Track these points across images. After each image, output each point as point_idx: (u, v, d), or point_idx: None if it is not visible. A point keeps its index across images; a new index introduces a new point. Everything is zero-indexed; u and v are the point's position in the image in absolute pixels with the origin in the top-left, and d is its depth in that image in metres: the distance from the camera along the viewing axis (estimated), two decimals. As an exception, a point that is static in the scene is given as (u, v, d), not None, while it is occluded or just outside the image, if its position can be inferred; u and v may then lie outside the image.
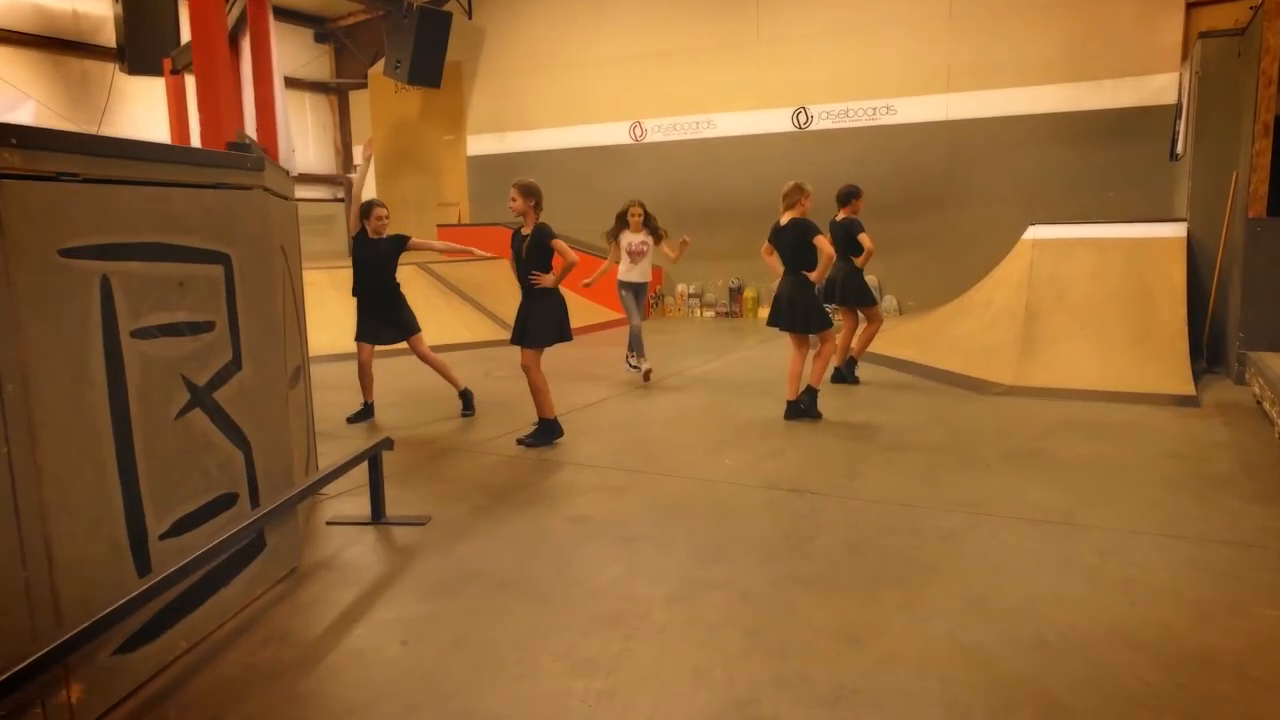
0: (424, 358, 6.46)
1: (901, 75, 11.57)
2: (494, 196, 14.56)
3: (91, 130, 12.36)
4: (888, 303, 11.85)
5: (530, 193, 5.44)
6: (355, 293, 6.46)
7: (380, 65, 14.20)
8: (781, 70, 12.27)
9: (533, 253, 5.49)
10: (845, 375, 7.44)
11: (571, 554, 3.70)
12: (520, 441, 5.57)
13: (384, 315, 6.38)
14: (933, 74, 11.38)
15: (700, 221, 11.54)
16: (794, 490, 4.49)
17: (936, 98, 11.40)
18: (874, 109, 11.81)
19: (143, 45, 11.62)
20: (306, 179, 15.77)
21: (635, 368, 7.80)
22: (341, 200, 16.55)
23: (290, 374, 3.90)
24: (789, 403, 6.18)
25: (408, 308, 6.53)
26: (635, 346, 7.78)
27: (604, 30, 13.45)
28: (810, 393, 6.12)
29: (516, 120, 14.43)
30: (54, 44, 12.07)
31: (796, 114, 12.30)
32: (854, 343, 7.49)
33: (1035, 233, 8.19)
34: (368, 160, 6.49)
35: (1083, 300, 7.53)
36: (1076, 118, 10.63)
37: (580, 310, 12.74)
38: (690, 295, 13.21)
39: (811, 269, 6.09)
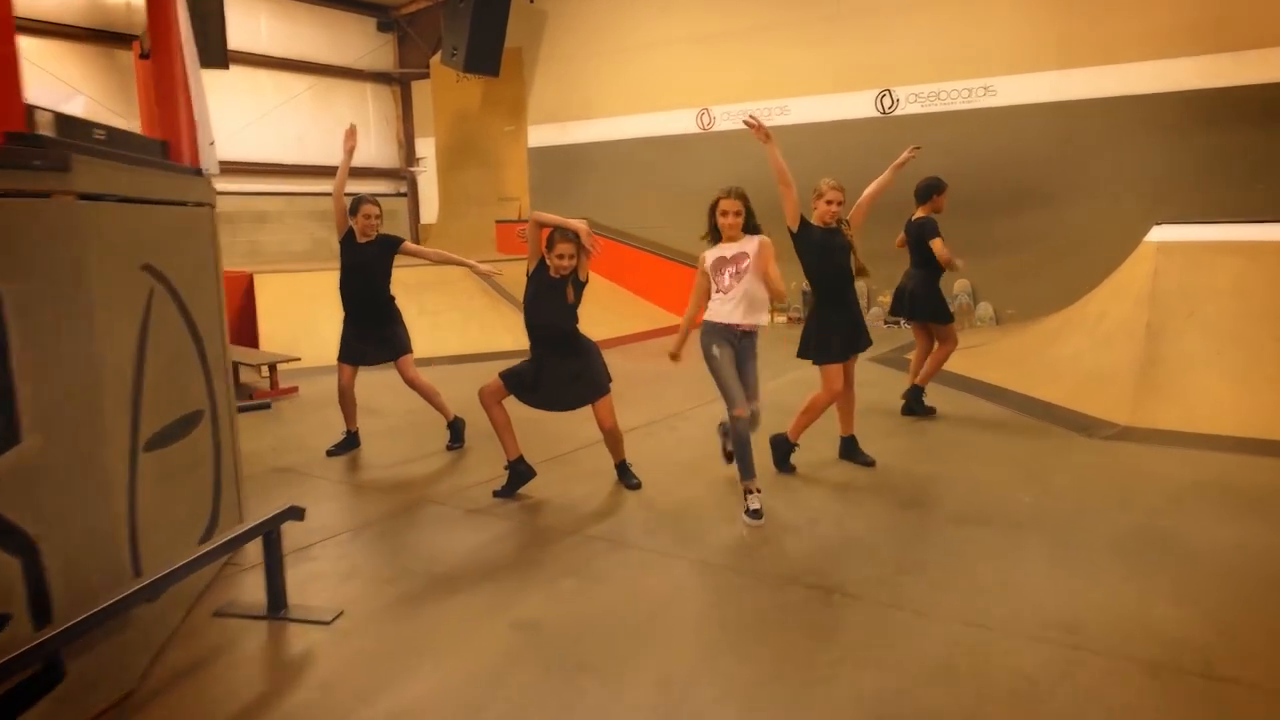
0: (411, 382, 5.61)
1: (1003, 50, 10.08)
2: (554, 191, 13.71)
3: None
4: (982, 311, 10.42)
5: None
6: (343, 304, 5.66)
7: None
8: (864, 48, 10.94)
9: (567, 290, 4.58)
10: (914, 406, 6.21)
11: (490, 693, 2.72)
12: (497, 493, 4.63)
13: (371, 331, 5.56)
14: (1040, 48, 9.86)
15: (772, 217, 10.31)
16: (818, 588, 3.39)
17: (1044, 75, 9.87)
18: (970, 90, 10.36)
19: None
20: (367, 173, 15.28)
21: (753, 512, 4.15)
22: (404, 195, 16.02)
23: (158, 432, 3.04)
24: (844, 440, 5.10)
25: (401, 323, 5.69)
26: (741, 459, 4.21)
27: (669, 9, 12.37)
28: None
29: (578, 109, 13.51)
30: (106, 37, 11.80)
31: (880, 97, 10.96)
32: (924, 366, 6.26)
33: (1161, 234, 6.74)
34: (349, 153, 5.63)
35: (1221, 319, 6.07)
36: (1214, 96, 8.94)
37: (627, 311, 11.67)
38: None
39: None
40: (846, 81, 11.13)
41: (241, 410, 7.05)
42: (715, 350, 4.24)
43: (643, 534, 4.03)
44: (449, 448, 5.63)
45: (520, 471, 4.65)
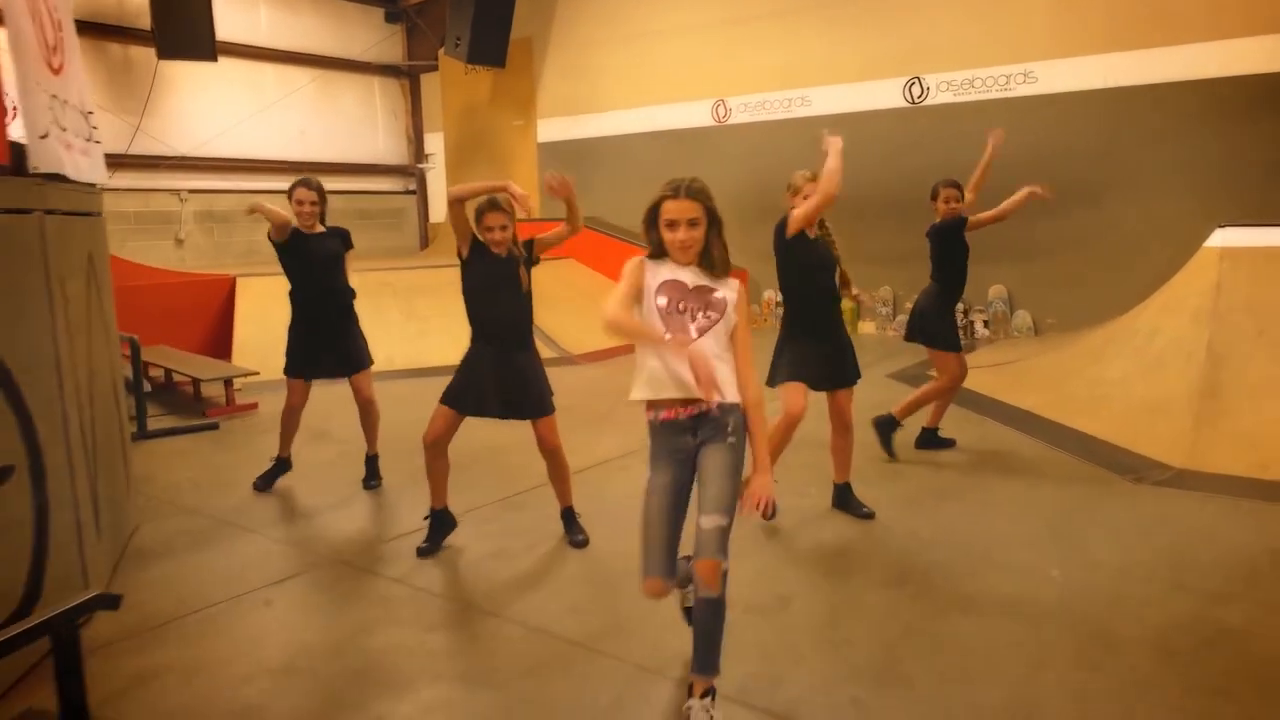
0: (365, 404, 4.89)
1: (1045, 32, 9.12)
2: (564, 188, 12.98)
3: (134, 120, 11.62)
4: (1020, 320, 9.48)
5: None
6: (294, 308, 4.88)
7: (450, 45, 12.87)
8: (891, 33, 10.02)
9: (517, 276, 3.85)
10: (929, 442, 5.36)
11: None
12: (422, 551, 3.91)
13: (324, 340, 4.81)
14: (1086, 29, 8.87)
15: (760, 219, 9.49)
16: (767, 713, 2.60)
17: (1091, 60, 8.89)
18: (1007, 77, 9.41)
19: (175, 27, 10.72)
20: (374, 170, 14.72)
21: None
22: (413, 193, 15.42)
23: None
24: (837, 487, 4.29)
25: (359, 332, 4.95)
26: (699, 644, 2.64)
27: (683, -8, 11.58)
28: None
29: (589, 101, 12.78)
30: (94, 29, 11.33)
31: (909, 85, 10.04)
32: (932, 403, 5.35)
33: (1225, 238, 5.79)
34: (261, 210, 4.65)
35: (1299, 340, 5.14)
36: (1288, 80, 7.93)
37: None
38: (778, 304, 11.15)
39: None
40: (872, 69, 10.23)
41: (184, 432, 6.51)
42: (655, 475, 2.57)
43: (569, 617, 3.26)
44: (366, 486, 4.94)
45: (444, 521, 3.97)
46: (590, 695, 2.73)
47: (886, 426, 5.19)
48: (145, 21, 11.12)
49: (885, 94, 10.19)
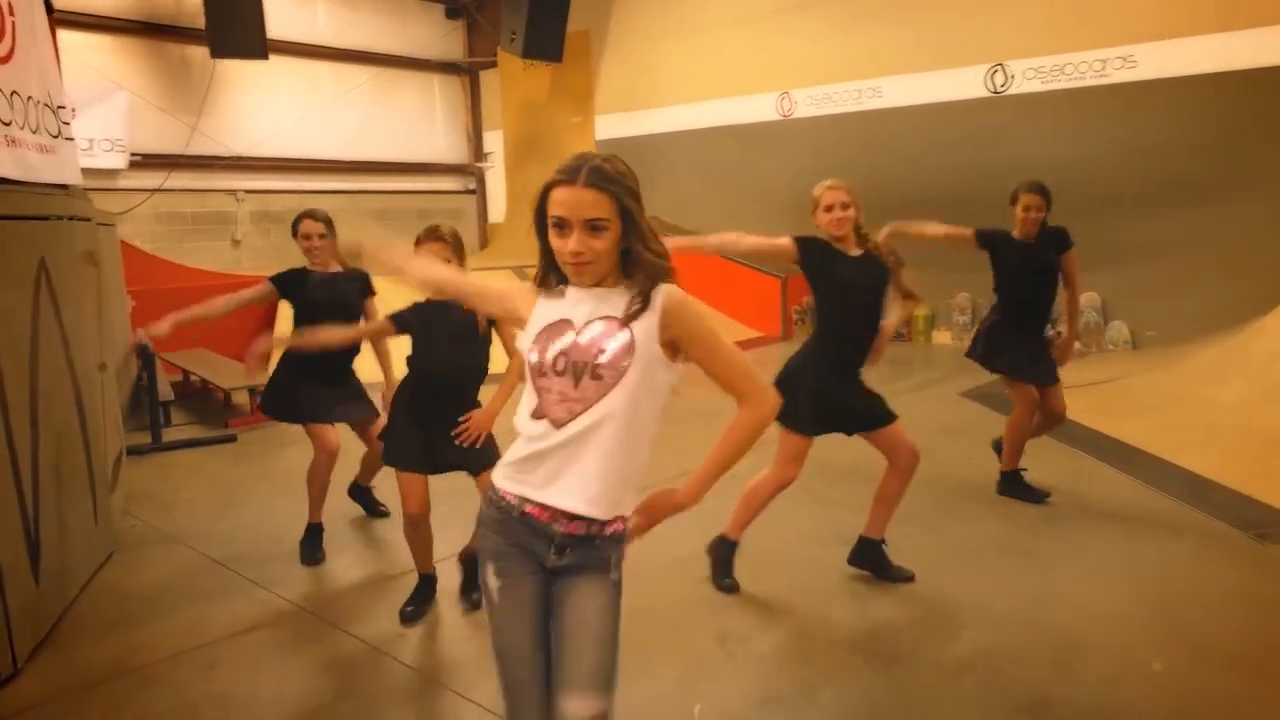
0: (373, 453, 4.21)
1: (1148, 10, 8.14)
2: (622, 187, 12.51)
3: (191, 121, 11.57)
4: (1115, 332, 8.54)
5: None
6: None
7: (510, 41, 12.50)
8: (971, 16, 9.15)
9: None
10: (1012, 485, 4.58)
11: None
12: (407, 616, 3.33)
13: (337, 385, 4.05)
14: (1197, 6, 7.88)
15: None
16: None
17: (1203, 40, 7.89)
18: (1104, 61, 8.46)
19: (226, 24, 10.57)
20: (434, 170, 14.47)
21: None
22: (472, 192, 15.13)
23: None
24: (862, 542, 3.59)
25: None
26: None
27: (747, -20, 10.92)
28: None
29: (648, 96, 12.23)
30: (152, 29, 11.32)
31: (991, 74, 9.17)
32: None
33: (1370, 244, 4.90)
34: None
35: None
36: None
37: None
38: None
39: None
40: (950, 56, 9.38)
41: (203, 444, 6.21)
42: (489, 576, 1.76)
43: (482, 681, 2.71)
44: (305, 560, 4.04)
45: (432, 588, 3.42)
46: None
47: (1012, 486, 4.49)
48: (203, 21, 11.04)
49: (964, 83, 9.33)
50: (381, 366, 4.13)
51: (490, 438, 3.23)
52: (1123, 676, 2.76)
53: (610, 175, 1.66)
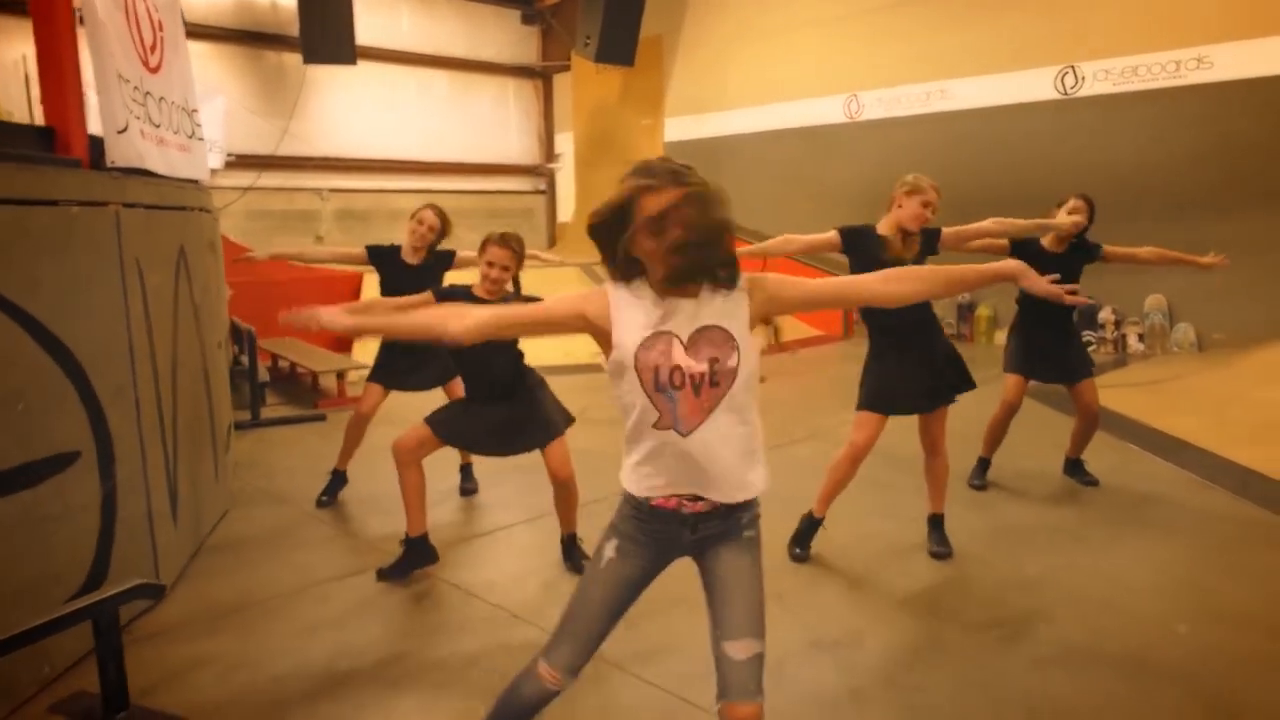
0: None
1: (1222, 10, 8.12)
2: (689, 187, 12.83)
3: (282, 123, 12.28)
4: (1181, 334, 8.52)
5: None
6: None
7: (583, 45, 12.94)
8: (1041, 17, 9.23)
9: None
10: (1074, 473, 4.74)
11: None
12: (383, 573, 3.63)
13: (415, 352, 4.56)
14: (1273, 4, 7.86)
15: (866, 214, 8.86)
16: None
17: (1277, 41, 7.87)
18: (1177, 62, 8.47)
19: (319, 32, 11.22)
20: (506, 170, 15.01)
21: None
22: (543, 192, 15.63)
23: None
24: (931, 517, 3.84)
25: None
26: None
27: (816, -16, 11.13)
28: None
29: (717, 99, 12.52)
30: (251, 37, 12.07)
31: (1062, 75, 9.23)
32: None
33: None
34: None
35: None
36: None
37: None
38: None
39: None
40: (1019, 58, 9.47)
41: (294, 422, 6.73)
42: (609, 547, 1.94)
43: (610, 640, 3.04)
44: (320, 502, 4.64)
45: (421, 551, 3.65)
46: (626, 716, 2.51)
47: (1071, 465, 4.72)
48: (296, 28, 11.72)
49: (1034, 85, 9.41)
50: None
51: (551, 405, 3.60)
52: (1148, 636, 2.97)
53: (684, 172, 1.78)
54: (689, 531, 1.86)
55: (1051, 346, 4.44)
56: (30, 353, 2.75)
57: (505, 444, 3.59)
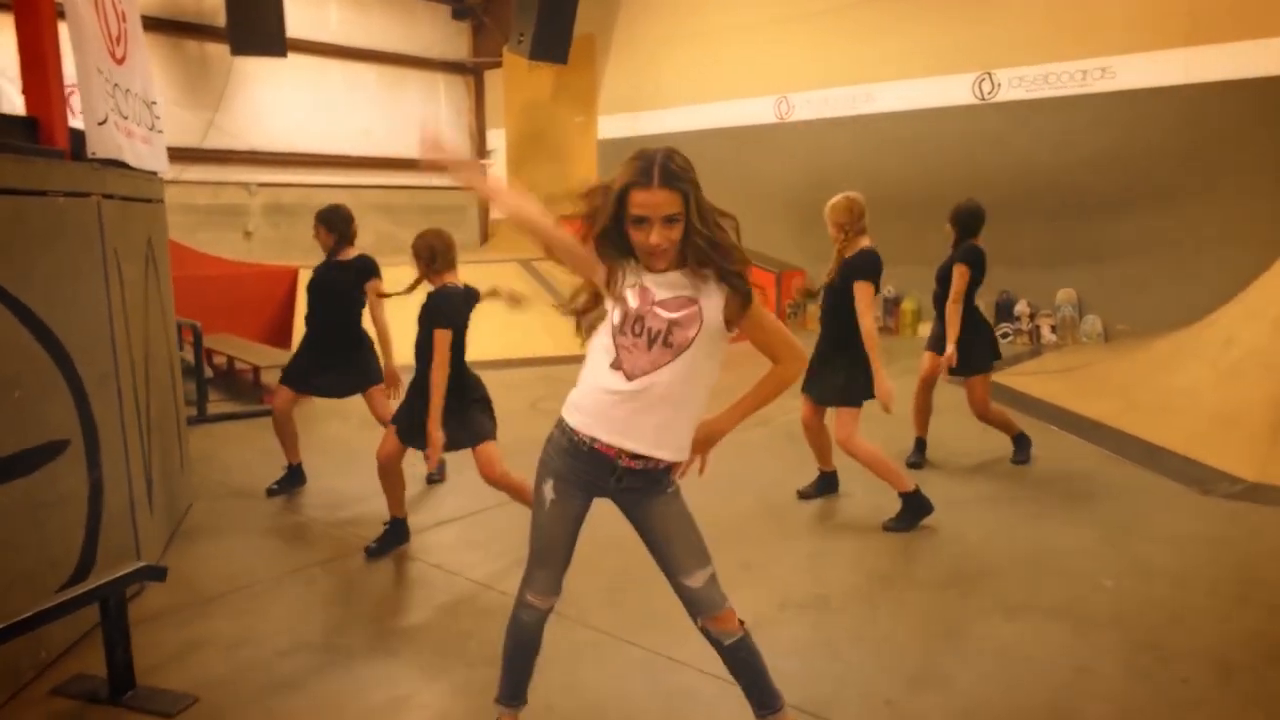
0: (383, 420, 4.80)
1: (1124, 25, 8.75)
2: (623, 185, 13.05)
3: (208, 115, 12.00)
4: (1089, 325, 9.14)
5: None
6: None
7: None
8: (960, 27, 9.75)
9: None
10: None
11: None
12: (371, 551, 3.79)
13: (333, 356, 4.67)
14: (1168, 21, 8.50)
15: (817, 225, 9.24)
16: (805, 714, 2.54)
17: (1172, 54, 8.51)
18: (1084, 72, 9.07)
19: (247, 23, 11.01)
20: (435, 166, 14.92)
21: None
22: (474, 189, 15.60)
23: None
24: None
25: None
26: (507, 669, 2.42)
27: (748, -12, 11.47)
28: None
29: (650, 98, 12.74)
30: (173, 26, 11.72)
31: (979, 82, 9.77)
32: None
33: (1312, 242, 5.50)
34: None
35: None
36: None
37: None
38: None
39: None
40: (940, 64, 9.97)
41: (240, 417, 6.69)
42: (546, 488, 2.16)
43: (597, 609, 3.24)
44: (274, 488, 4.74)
45: (401, 530, 3.87)
46: (623, 684, 2.71)
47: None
48: (222, 18, 11.47)
49: (954, 90, 9.93)
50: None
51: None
52: (1080, 589, 3.32)
53: (677, 173, 1.95)
54: (615, 480, 2.08)
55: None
56: (24, 342, 2.78)
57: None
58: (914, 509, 3.97)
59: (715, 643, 2.16)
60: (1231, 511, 4.18)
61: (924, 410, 5.10)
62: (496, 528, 4.12)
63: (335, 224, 4.60)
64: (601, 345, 2.06)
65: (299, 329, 8.77)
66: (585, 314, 2.16)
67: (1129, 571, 3.48)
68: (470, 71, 15.25)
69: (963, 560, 3.64)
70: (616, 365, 2.01)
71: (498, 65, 14.64)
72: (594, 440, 2.05)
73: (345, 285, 4.56)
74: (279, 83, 12.62)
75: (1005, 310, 9.56)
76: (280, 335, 9.04)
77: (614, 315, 2.02)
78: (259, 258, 11.68)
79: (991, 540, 3.85)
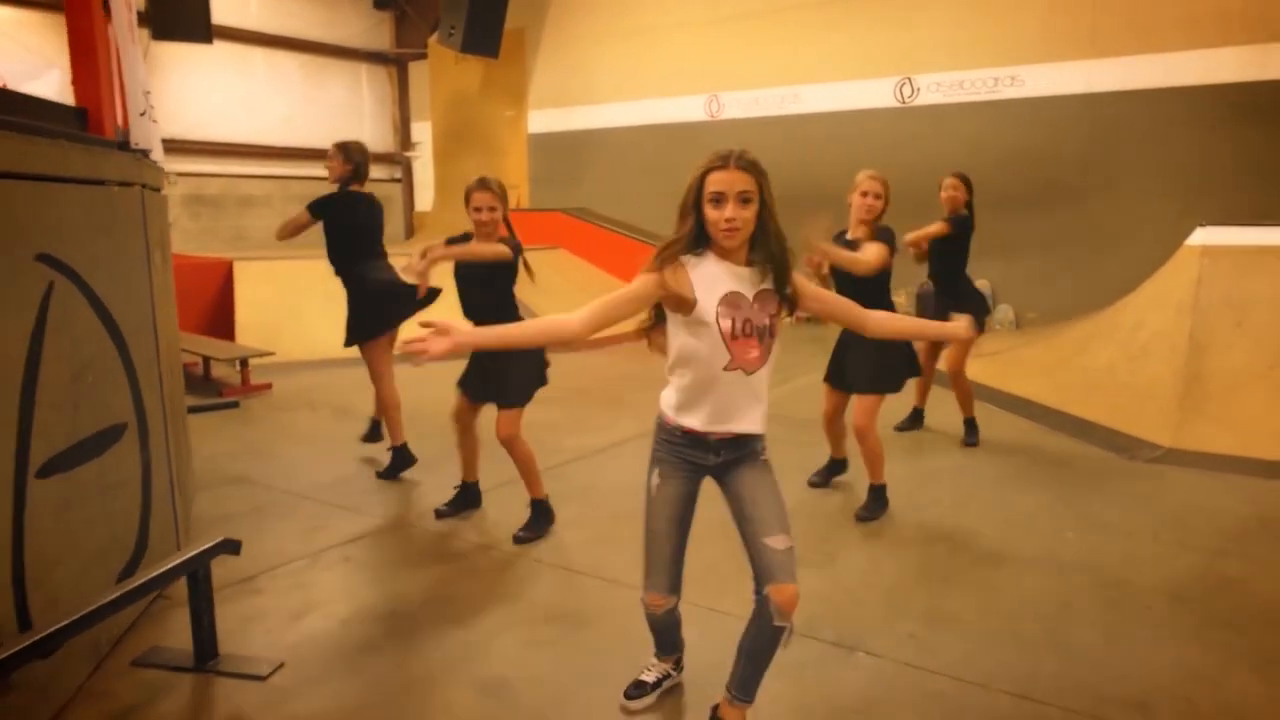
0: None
1: (1032, 38, 9.52)
2: (555, 179, 13.23)
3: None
4: (1002, 313, 9.90)
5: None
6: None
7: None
8: (883, 33, 10.38)
9: (500, 272, 3.86)
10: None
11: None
12: (518, 537, 3.87)
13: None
14: (1072, 35, 9.30)
15: (783, 211, 9.65)
16: (838, 646, 2.89)
17: (1075, 65, 9.32)
18: (995, 79, 9.81)
19: (170, 8, 10.68)
20: (362, 157, 14.74)
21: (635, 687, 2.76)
22: (399, 180, 15.49)
23: (62, 453, 2.56)
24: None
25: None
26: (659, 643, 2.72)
27: (680, -11, 11.83)
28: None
29: (581, 94, 12.97)
30: (87, 8, 11.26)
31: (900, 86, 10.41)
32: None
33: (1206, 236, 6.20)
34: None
35: (1274, 331, 5.57)
36: (1264, 89, 8.40)
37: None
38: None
39: None
40: (864, 68, 10.58)
41: (206, 410, 6.62)
42: (665, 483, 2.35)
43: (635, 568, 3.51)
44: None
45: (546, 512, 4.00)
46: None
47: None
48: (140, 2, 11.07)
49: (876, 93, 10.55)
50: None
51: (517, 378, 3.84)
52: (1048, 541, 3.79)
53: (752, 161, 2.18)
54: (714, 455, 2.27)
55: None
56: (95, 327, 2.86)
57: (479, 390, 3.93)
58: (882, 500, 4.19)
59: (760, 616, 2.23)
60: (1156, 473, 4.78)
61: (927, 377, 5.62)
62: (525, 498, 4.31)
63: (352, 154, 4.80)
64: (703, 350, 2.17)
65: (240, 321, 8.72)
66: (653, 330, 2.33)
67: (1085, 526, 3.99)
68: (393, 62, 15.12)
69: (943, 521, 4.08)
70: (733, 366, 2.17)
71: (423, 57, 14.59)
72: (709, 434, 2.24)
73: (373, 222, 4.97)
74: (199, 69, 12.28)
75: (925, 300, 10.24)
76: (218, 328, 8.88)
77: (723, 324, 2.14)
78: (179, 250, 11.33)
79: (965, 504, 4.31)
